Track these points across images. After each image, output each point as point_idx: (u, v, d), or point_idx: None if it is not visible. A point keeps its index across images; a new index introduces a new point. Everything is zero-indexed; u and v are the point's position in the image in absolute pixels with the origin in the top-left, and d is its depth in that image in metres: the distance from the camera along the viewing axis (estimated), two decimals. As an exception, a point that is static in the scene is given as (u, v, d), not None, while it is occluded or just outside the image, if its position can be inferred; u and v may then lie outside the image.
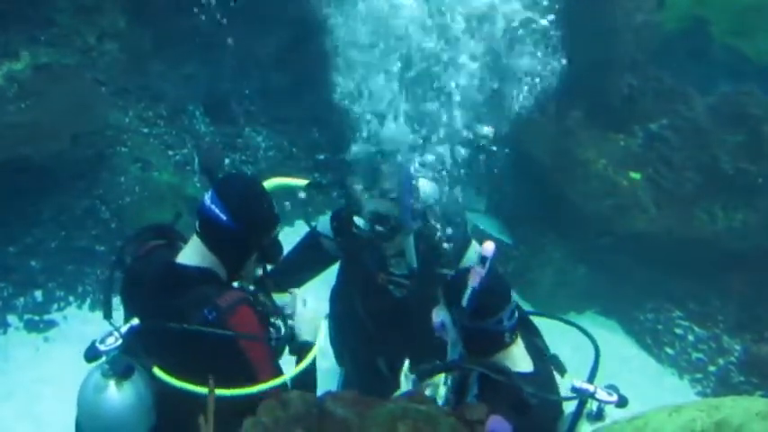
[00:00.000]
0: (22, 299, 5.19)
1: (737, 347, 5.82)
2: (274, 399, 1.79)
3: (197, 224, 2.25)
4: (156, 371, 2.07)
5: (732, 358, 5.78)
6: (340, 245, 3.06)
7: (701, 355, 5.87)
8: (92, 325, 5.21)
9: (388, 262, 2.93)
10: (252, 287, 2.37)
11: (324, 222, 3.07)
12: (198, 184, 5.90)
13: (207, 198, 2.22)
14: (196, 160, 5.98)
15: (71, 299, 5.33)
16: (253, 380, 2.07)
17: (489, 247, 2.17)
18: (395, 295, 2.99)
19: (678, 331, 6.01)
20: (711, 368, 5.79)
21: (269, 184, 2.59)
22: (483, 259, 2.17)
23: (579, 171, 5.88)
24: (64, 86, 5.19)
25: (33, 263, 5.29)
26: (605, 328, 6.02)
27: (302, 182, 2.92)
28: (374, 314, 3.06)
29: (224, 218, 2.18)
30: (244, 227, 2.20)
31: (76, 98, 5.22)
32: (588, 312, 6.18)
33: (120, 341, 2.09)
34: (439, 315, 2.35)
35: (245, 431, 1.73)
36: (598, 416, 2.19)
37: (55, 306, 5.25)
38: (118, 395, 2.06)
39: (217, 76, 6.14)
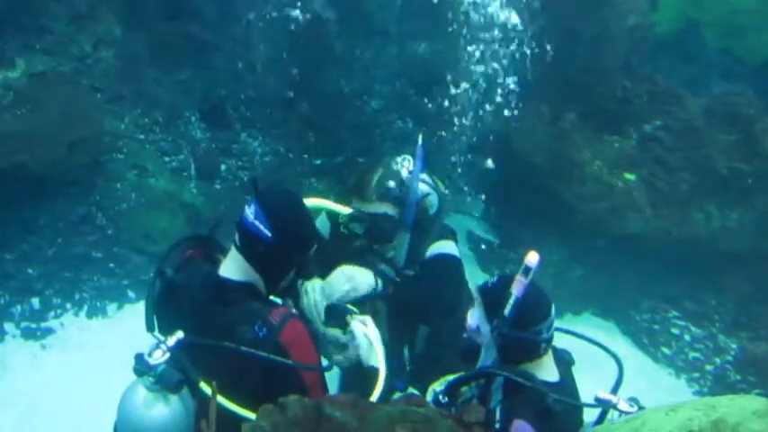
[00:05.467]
0: (18, 306, 5.17)
1: (734, 346, 5.83)
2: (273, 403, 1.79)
3: (237, 238, 2.24)
4: (203, 386, 2.06)
5: (729, 357, 5.79)
6: (332, 247, 3.07)
7: (697, 355, 5.88)
8: (89, 332, 5.21)
9: (376, 262, 2.95)
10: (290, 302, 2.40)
11: None
12: (194, 191, 5.90)
13: (249, 213, 2.20)
14: (192, 166, 5.98)
15: (68, 306, 5.31)
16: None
17: (533, 257, 2.18)
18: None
19: (674, 331, 6.02)
20: (708, 367, 5.80)
21: (309, 202, 2.59)
22: (526, 269, 2.18)
23: (574, 173, 5.90)
24: (60, 94, 5.20)
25: (30, 270, 5.28)
26: (602, 328, 6.04)
27: (344, 210, 2.89)
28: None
29: (268, 234, 2.16)
30: (288, 243, 2.20)
31: (72, 105, 5.22)
32: (585, 313, 6.19)
33: (167, 355, 2.05)
34: (474, 318, 2.34)
35: (243, 436, 1.73)
36: None
37: (52, 313, 5.23)
38: (167, 410, 2.03)
39: (212, 81, 6.15)
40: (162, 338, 2.09)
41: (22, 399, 4.53)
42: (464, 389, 2.37)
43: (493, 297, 2.29)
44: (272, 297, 2.34)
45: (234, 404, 2.04)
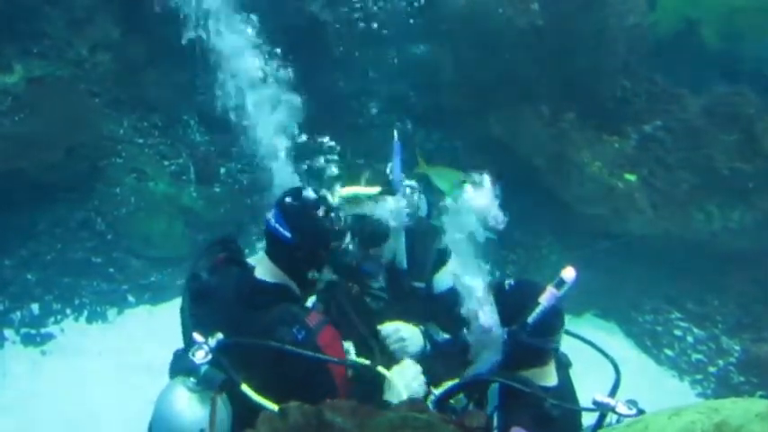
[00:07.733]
0: (18, 312, 5.17)
1: (737, 348, 5.80)
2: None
3: (265, 242, 2.31)
4: (245, 387, 2.08)
5: (732, 359, 5.76)
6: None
7: (700, 356, 5.85)
8: (89, 337, 5.20)
9: (369, 273, 2.92)
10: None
11: None
12: (194, 194, 5.88)
13: (270, 217, 2.26)
14: (192, 169, 5.97)
15: (68, 311, 5.31)
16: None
17: (570, 273, 2.22)
18: (372, 308, 2.98)
19: (677, 332, 5.99)
20: (711, 369, 5.77)
21: (343, 193, 2.62)
22: (561, 282, 2.22)
23: (574, 173, 5.88)
24: (58, 98, 5.19)
25: (29, 276, 5.27)
26: (604, 330, 6.02)
27: (374, 190, 2.87)
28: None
29: (288, 235, 2.23)
30: (307, 241, 2.25)
31: (70, 110, 5.22)
32: (587, 315, 6.17)
33: (210, 356, 2.07)
34: (490, 320, 2.33)
35: (243, 443, 1.71)
36: None
37: (51, 319, 5.23)
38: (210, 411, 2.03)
39: (210, 84, 6.13)
40: (203, 339, 2.10)
41: (21, 404, 4.51)
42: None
43: (512, 302, 2.28)
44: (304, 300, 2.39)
45: (271, 402, 2.05)
